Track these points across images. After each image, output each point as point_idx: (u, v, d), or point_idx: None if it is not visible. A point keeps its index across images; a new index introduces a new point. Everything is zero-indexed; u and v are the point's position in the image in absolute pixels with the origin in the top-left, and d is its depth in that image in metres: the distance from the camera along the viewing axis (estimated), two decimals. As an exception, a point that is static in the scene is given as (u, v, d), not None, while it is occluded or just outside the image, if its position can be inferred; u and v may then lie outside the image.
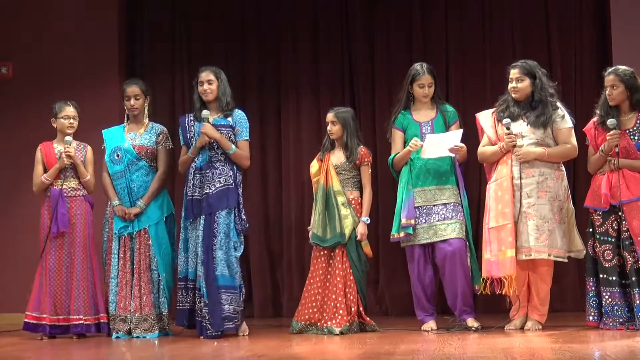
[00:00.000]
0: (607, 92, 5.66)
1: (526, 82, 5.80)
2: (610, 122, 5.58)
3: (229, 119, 6.02)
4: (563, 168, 5.88)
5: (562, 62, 7.31)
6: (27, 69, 7.52)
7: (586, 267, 5.81)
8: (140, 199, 6.08)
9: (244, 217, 6.00)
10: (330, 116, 6.13)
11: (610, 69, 5.72)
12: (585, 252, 5.82)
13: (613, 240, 5.63)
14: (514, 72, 5.83)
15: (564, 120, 5.78)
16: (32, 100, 7.20)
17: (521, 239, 5.70)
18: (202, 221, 5.88)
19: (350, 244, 5.97)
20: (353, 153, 6.05)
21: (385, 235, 7.05)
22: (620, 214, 5.58)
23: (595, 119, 5.78)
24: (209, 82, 6.01)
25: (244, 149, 6.03)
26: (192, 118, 6.08)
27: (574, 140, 5.80)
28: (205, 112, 5.92)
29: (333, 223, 5.98)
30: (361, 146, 6.12)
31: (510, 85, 5.84)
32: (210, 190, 5.92)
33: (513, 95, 5.83)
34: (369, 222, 6.03)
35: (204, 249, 5.84)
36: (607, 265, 5.62)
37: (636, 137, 5.64)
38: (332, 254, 6.02)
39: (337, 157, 6.13)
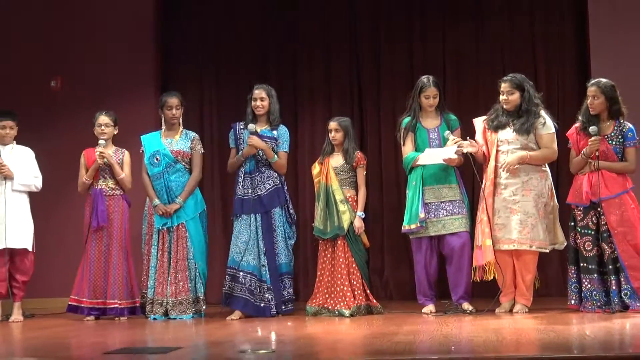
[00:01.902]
0: (588, 101, 5.67)
1: (516, 95, 5.83)
2: (592, 129, 5.60)
3: (274, 132, 6.19)
4: (547, 169, 5.91)
5: (547, 76, 7.32)
6: (74, 82, 7.57)
7: (568, 257, 5.83)
8: (178, 197, 6.17)
9: (291, 211, 6.20)
10: (334, 125, 6.22)
11: (593, 81, 5.73)
12: (566, 244, 5.85)
13: (593, 232, 5.65)
14: (504, 86, 5.85)
15: (545, 127, 5.79)
16: (78, 110, 7.22)
17: (506, 232, 5.75)
18: (258, 218, 6.06)
19: (349, 236, 6.06)
20: (351, 156, 6.14)
21: (390, 228, 7.14)
22: (599, 209, 5.60)
23: (577, 125, 5.79)
24: (262, 99, 6.17)
25: (282, 158, 6.22)
26: (242, 126, 6.25)
27: (554, 145, 5.83)
28: (251, 126, 6.10)
29: (332, 218, 6.08)
30: (357, 151, 6.21)
31: (501, 97, 5.87)
32: (262, 192, 6.10)
33: (504, 107, 5.86)
34: (363, 216, 6.14)
35: (266, 243, 6.02)
36: (587, 255, 5.64)
37: (613, 142, 5.67)
38: (335, 246, 6.09)
39: (336, 160, 6.22)
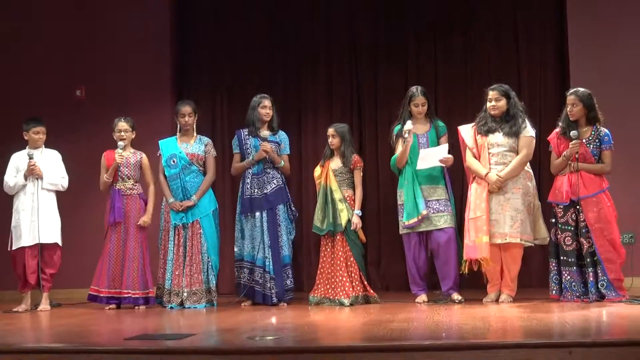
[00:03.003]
0: (568, 109, 5.68)
1: (503, 102, 5.85)
2: (573, 133, 5.61)
3: (276, 136, 6.27)
4: (531, 170, 5.93)
5: (530, 85, 7.33)
6: (96, 92, 7.60)
7: (549, 251, 5.82)
8: (193, 195, 6.18)
9: (293, 208, 6.27)
10: (331, 131, 6.23)
11: (571, 90, 5.75)
12: (548, 239, 5.85)
13: (572, 228, 5.64)
14: (493, 93, 5.87)
15: (526, 130, 5.83)
16: (100, 118, 7.20)
17: (498, 227, 5.76)
18: (264, 215, 6.11)
19: (347, 232, 6.06)
20: (348, 159, 6.14)
21: (386, 224, 7.15)
22: (578, 207, 5.60)
23: (557, 130, 5.80)
24: (270, 107, 6.27)
25: (287, 160, 6.33)
26: (246, 133, 6.30)
27: (528, 149, 5.81)
28: (265, 133, 6.22)
29: (329, 215, 6.09)
30: (354, 154, 6.21)
31: (489, 104, 5.87)
32: (268, 190, 6.15)
33: (492, 112, 5.87)
34: (360, 214, 6.15)
35: (271, 236, 6.07)
36: (567, 249, 5.64)
37: (591, 146, 5.67)
38: (334, 242, 6.09)
39: (335, 162, 6.22)
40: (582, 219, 5.59)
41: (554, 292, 5.70)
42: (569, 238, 5.64)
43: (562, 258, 5.66)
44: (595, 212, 5.57)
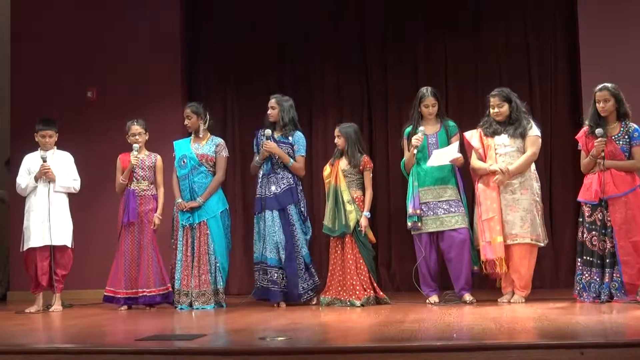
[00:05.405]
0: (600, 105, 5.57)
1: (505, 107, 5.87)
2: (598, 131, 5.55)
3: (290, 138, 6.20)
4: (536, 174, 5.91)
5: (540, 82, 7.32)
6: (107, 93, 7.64)
7: (577, 250, 5.75)
8: (199, 196, 6.19)
9: (303, 209, 6.20)
10: (336, 131, 6.25)
11: (600, 86, 5.63)
12: (545, 242, 5.84)
13: (599, 228, 5.56)
14: (494, 100, 5.90)
15: (532, 129, 5.87)
16: (112, 119, 7.28)
17: (508, 228, 5.75)
18: (275, 214, 6.08)
19: (356, 233, 6.04)
20: (355, 160, 6.12)
21: (396, 225, 7.14)
22: (605, 206, 5.55)
23: (585, 128, 5.74)
24: (272, 107, 6.24)
25: (300, 162, 6.23)
26: (262, 133, 6.26)
27: (535, 148, 5.84)
28: (267, 132, 6.17)
29: (340, 216, 6.07)
30: (364, 155, 6.19)
31: (492, 111, 5.91)
32: (278, 190, 6.11)
33: (496, 119, 5.89)
34: (369, 216, 6.12)
35: (286, 236, 6.05)
36: (592, 249, 5.58)
37: (620, 142, 5.59)
38: (344, 243, 6.08)
39: (345, 163, 6.20)
40: (608, 219, 5.52)
41: (576, 291, 5.65)
42: (595, 238, 5.57)
43: (585, 257, 5.61)
44: (622, 212, 5.49)
